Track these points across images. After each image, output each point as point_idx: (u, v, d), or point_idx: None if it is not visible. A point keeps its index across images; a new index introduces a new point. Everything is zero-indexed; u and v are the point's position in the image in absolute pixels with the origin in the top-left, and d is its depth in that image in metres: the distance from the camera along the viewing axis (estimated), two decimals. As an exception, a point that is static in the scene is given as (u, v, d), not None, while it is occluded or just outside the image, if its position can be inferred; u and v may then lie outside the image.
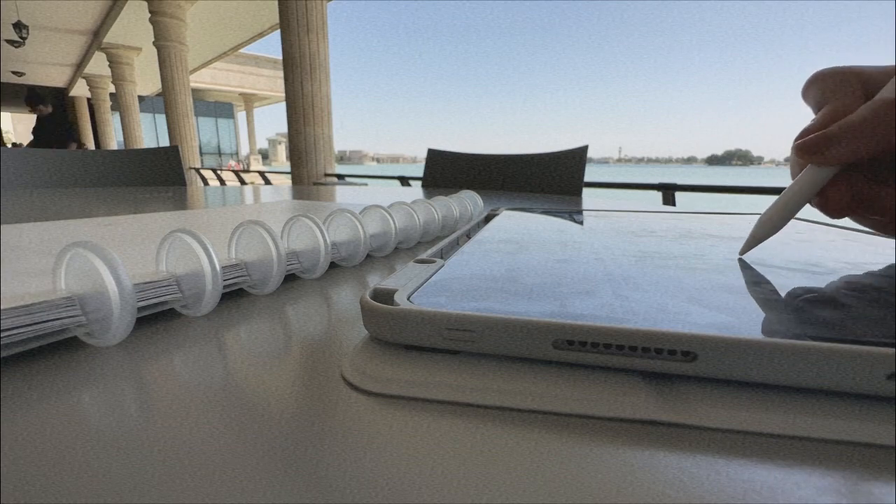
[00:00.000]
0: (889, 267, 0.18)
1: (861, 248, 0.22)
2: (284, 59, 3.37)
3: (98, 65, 8.78)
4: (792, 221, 0.24)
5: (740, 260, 0.20)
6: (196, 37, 7.09)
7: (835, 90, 0.18)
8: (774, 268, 0.18)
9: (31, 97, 3.99)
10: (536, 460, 0.10)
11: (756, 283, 0.16)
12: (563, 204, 0.69)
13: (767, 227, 0.19)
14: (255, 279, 0.22)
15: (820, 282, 0.16)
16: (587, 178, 0.98)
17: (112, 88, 8.78)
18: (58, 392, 0.13)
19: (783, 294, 0.15)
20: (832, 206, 0.18)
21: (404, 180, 2.65)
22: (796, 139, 0.18)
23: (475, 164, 1.13)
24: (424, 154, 1.31)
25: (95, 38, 7.61)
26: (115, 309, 0.15)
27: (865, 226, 0.20)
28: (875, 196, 0.18)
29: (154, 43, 5.32)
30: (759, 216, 0.20)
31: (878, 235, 0.23)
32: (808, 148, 0.17)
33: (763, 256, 0.20)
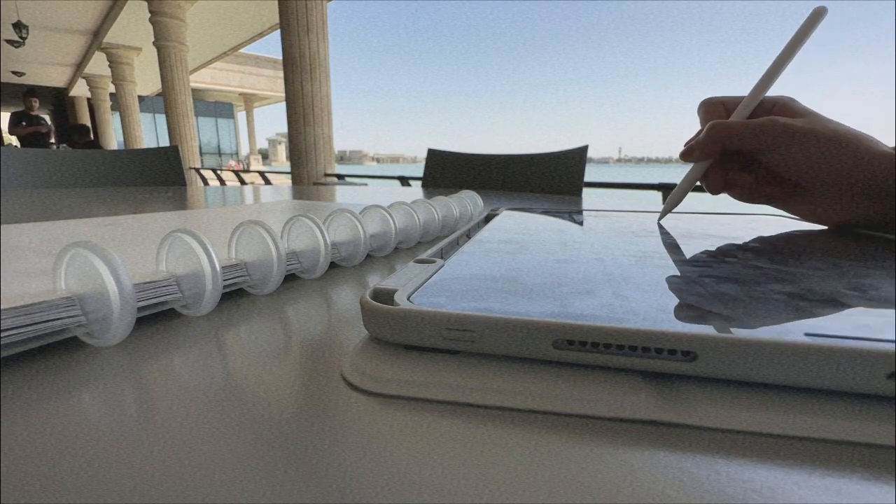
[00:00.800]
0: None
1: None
2: (284, 59, 3.37)
3: (98, 65, 8.78)
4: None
5: (746, 245, 0.22)
6: (196, 37, 7.09)
7: (709, 115, 0.30)
8: (773, 266, 0.18)
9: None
10: (536, 460, 0.10)
11: (756, 283, 0.16)
12: (563, 204, 0.69)
13: (674, 200, 0.31)
14: (255, 279, 0.22)
15: (816, 281, 0.16)
16: (587, 178, 0.98)
17: (112, 88, 8.78)
18: (58, 392, 0.13)
19: (782, 292, 0.15)
20: (710, 186, 0.29)
21: (404, 180, 2.65)
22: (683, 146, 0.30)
23: (475, 164, 1.13)
24: (424, 154, 1.31)
25: (95, 38, 7.61)
26: (115, 309, 0.15)
27: (738, 199, 0.30)
28: (735, 178, 0.29)
29: (154, 43, 5.32)
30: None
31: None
32: (682, 154, 0.30)
33: (763, 255, 0.20)
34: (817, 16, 0.26)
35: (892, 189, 0.24)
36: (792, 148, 0.25)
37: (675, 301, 0.14)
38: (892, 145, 0.25)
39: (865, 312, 0.13)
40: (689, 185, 0.30)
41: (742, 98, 0.29)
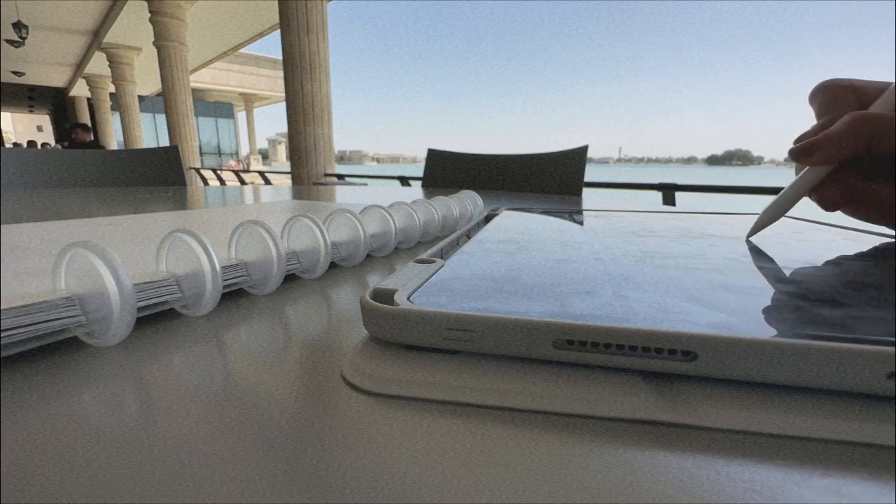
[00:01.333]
0: (884, 261, 0.18)
1: (858, 245, 0.22)
2: (284, 59, 3.37)
3: (98, 65, 8.78)
4: (793, 222, 0.28)
5: (750, 246, 0.22)
6: (196, 37, 7.09)
7: (833, 102, 0.22)
8: (774, 266, 0.18)
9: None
10: (536, 460, 0.10)
11: (756, 282, 0.16)
12: (563, 204, 0.69)
13: (771, 215, 0.23)
14: (255, 279, 0.22)
15: (816, 279, 0.16)
16: (587, 178, 0.98)
17: (112, 88, 8.78)
18: (58, 392, 0.13)
19: (782, 292, 0.15)
20: (826, 200, 0.21)
21: (404, 180, 2.65)
22: (793, 143, 0.22)
23: (475, 164, 1.13)
24: (424, 154, 1.31)
25: (95, 38, 7.61)
26: (115, 309, 0.15)
27: (859, 218, 0.23)
28: (865, 190, 0.21)
29: (154, 43, 5.32)
30: (762, 210, 0.23)
31: (871, 230, 0.25)
32: (798, 152, 0.21)
33: (763, 255, 0.20)
34: None
35: None
36: None
37: (675, 301, 0.14)
38: None
39: (865, 312, 0.13)
40: (799, 197, 0.22)
41: (884, 85, 0.22)
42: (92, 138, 4.02)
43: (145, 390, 0.13)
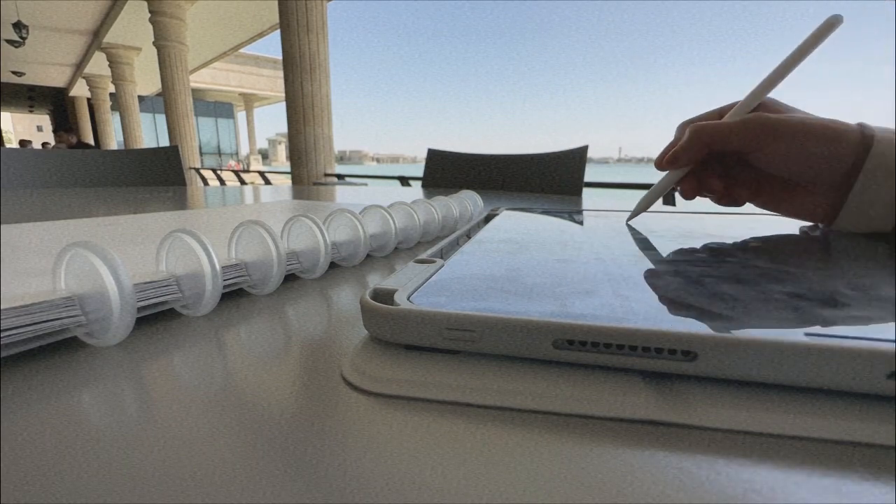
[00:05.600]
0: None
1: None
2: (284, 59, 3.37)
3: (98, 65, 8.78)
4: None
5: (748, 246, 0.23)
6: (196, 37, 7.09)
7: (678, 131, 0.29)
8: (772, 266, 0.18)
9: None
10: (536, 460, 0.10)
11: (755, 282, 0.16)
12: (563, 204, 0.69)
13: (645, 204, 0.31)
14: (255, 279, 0.22)
15: (816, 280, 0.16)
16: (587, 178, 0.98)
17: (112, 88, 8.78)
18: (58, 392, 0.13)
19: (784, 293, 0.15)
20: (685, 191, 0.29)
21: (404, 180, 2.65)
22: (656, 160, 0.29)
23: (475, 164, 1.13)
24: (424, 154, 1.31)
25: (95, 38, 7.61)
26: (115, 309, 0.15)
27: (714, 202, 0.30)
28: (707, 183, 0.29)
29: (154, 43, 5.32)
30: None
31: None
32: (664, 162, 0.29)
33: (762, 255, 0.20)
34: (831, 25, 0.25)
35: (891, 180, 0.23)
36: (782, 143, 0.25)
37: (676, 301, 0.14)
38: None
39: (865, 312, 0.13)
40: (664, 190, 0.30)
41: (726, 107, 0.28)
42: (76, 140, 3.99)
43: (145, 390, 0.13)
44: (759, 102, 0.27)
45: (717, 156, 0.28)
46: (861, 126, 0.25)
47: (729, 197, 0.29)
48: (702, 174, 0.29)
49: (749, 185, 0.29)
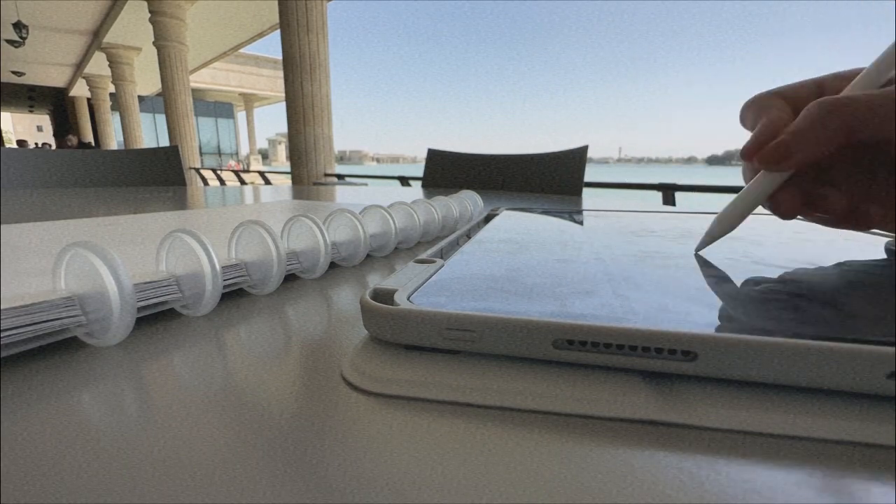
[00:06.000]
0: (878, 261, 0.18)
1: (844, 245, 0.22)
2: (284, 59, 3.37)
3: (98, 65, 8.78)
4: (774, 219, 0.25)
5: (750, 247, 0.20)
6: (196, 37, 7.09)
7: (765, 109, 0.20)
8: (772, 266, 0.18)
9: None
10: (536, 460, 0.10)
11: (756, 281, 0.16)
12: (563, 204, 0.69)
13: (723, 227, 0.20)
14: (255, 279, 0.22)
15: (817, 279, 0.16)
16: (587, 178, 0.98)
17: (112, 88, 8.78)
18: (58, 392, 0.13)
19: (783, 292, 0.15)
20: (784, 208, 0.19)
21: (404, 180, 2.65)
22: (745, 150, 0.19)
23: (475, 164, 1.13)
24: (424, 154, 1.31)
25: (95, 38, 7.61)
26: (115, 309, 0.15)
27: (815, 222, 0.21)
28: (821, 197, 0.19)
29: (154, 43, 5.32)
30: (716, 215, 0.21)
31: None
32: (769, 157, 0.18)
33: (763, 255, 0.20)
34: None
35: None
36: None
37: (675, 301, 0.14)
38: None
39: (865, 312, 0.13)
40: (752, 208, 0.20)
41: (805, 81, 0.20)
42: (76, 143, 3.98)
43: (145, 390, 0.13)
44: (832, 81, 0.20)
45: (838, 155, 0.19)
46: None
47: (854, 216, 0.19)
48: (811, 183, 0.20)
49: (883, 197, 0.19)
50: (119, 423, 0.11)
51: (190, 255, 0.18)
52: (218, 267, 0.18)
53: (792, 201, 0.19)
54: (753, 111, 0.20)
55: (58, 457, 0.10)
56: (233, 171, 5.21)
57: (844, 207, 0.19)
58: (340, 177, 3.47)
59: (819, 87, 0.20)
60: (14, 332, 0.14)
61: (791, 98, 0.20)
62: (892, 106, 0.16)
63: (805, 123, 0.17)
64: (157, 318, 0.19)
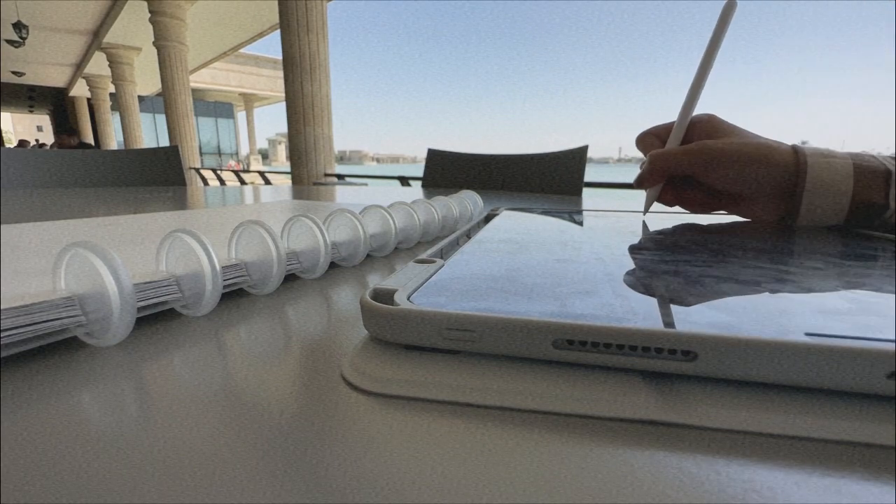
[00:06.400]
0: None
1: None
2: (284, 59, 3.37)
3: (98, 65, 8.78)
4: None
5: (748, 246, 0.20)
6: (196, 37, 7.09)
7: (645, 146, 0.34)
8: (772, 266, 0.18)
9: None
10: (536, 460, 0.10)
11: (755, 282, 0.16)
12: (563, 204, 0.69)
13: (645, 208, 0.34)
14: (255, 279, 0.22)
15: (816, 280, 0.16)
16: (587, 178, 0.98)
17: (112, 88, 8.78)
18: (58, 392, 0.13)
19: (781, 292, 0.15)
20: (665, 201, 0.34)
21: (404, 180, 2.65)
22: (636, 181, 0.34)
23: (475, 164, 1.13)
24: (424, 154, 1.31)
25: (95, 38, 7.61)
26: (115, 309, 0.15)
27: (689, 211, 0.35)
28: (685, 194, 0.34)
29: (154, 43, 5.32)
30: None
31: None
32: (637, 183, 0.33)
33: (762, 255, 0.20)
34: (728, 11, 0.27)
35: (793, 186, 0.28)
36: (722, 167, 0.29)
37: (675, 300, 0.14)
38: (891, 146, 0.27)
39: (865, 312, 0.13)
40: (650, 204, 0.34)
41: (670, 124, 0.33)
42: (77, 142, 3.95)
43: (145, 390, 0.13)
44: (699, 118, 0.32)
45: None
46: (794, 147, 0.29)
47: (699, 206, 0.34)
48: (678, 186, 0.33)
49: (714, 195, 0.33)
50: (119, 423, 0.11)
51: (190, 255, 0.18)
52: (218, 267, 0.18)
53: (668, 198, 0.34)
54: (640, 146, 0.35)
55: (58, 457, 0.10)
56: (233, 171, 5.21)
57: (692, 199, 0.34)
58: (340, 177, 3.47)
59: (667, 129, 0.33)
60: (14, 332, 0.14)
61: (661, 134, 0.34)
62: (680, 158, 0.30)
63: (646, 166, 0.32)
64: (157, 318, 0.19)
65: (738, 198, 0.32)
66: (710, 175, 0.30)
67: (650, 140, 0.34)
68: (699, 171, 0.30)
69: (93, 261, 0.15)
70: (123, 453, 0.10)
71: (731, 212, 0.33)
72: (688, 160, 0.30)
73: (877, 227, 0.27)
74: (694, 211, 0.34)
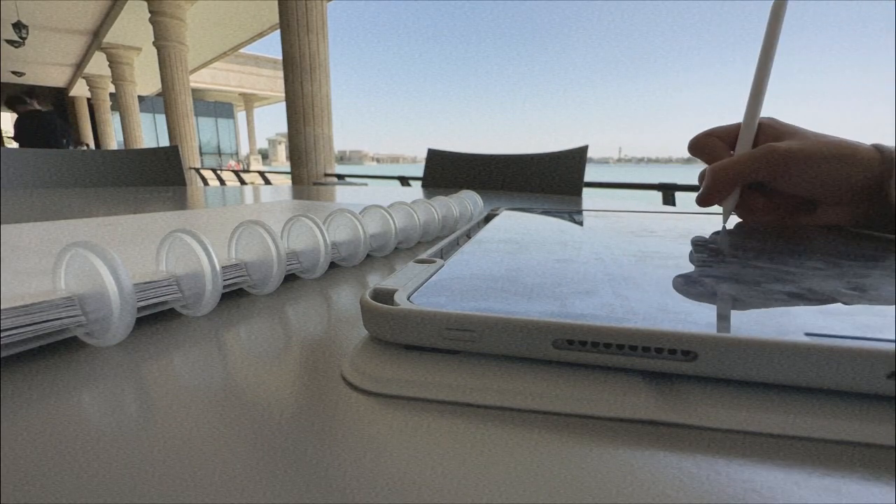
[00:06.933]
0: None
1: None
2: (284, 59, 3.37)
3: (98, 65, 8.79)
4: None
5: (749, 246, 0.20)
6: (196, 37, 7.09)
7: (705, 153, 0.31)
8: (771, 266, 0.18)
9: (10, 99, 3.85)
10: (536, 460, 0.10)
11: (755, 281, 0.16)
12: (563, 204, 0.69)
13: (725, 215, 0.30)
14: (255, 279, 0.22)
15: (816, 280, 0.16)
16: (587, 178, 0.98)
17: (112, 88, 8.78)
18: (58, 392, 0.13)
19: (781, 292, 0.15)
20: (751, 209, 0.30)
21: (404, 180, 2.65)
22: (697, 200, 0.30)
23: (475, 164, 1.13)
24: (424, 154, 1.31)
25: (95, 38, 7.61)
26: (115, 309, 0.15)
27: (761, 222, 0.31)
28: (750, 202, 0.30)
29: (154, 43, 5.32)
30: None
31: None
32: (701, 201, 0.30)
33: (761, 255, 0.20)
34: (778, 10, 0.26)
35: (890, 188, 0.25)
36: (799, 169, 0.26)
37: (675, 301, 0.14)
38: (891, 145, 0.26)
39: (865, 312, 0.13)
40: (727, 216, 0.30)
41: (734, 126, 0.30)
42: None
43: (145, 390, 0.13)
44: (759, 122, 0.29)
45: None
46: (876, 146, 0.26)
47: (768, 214, 0.30)
48: (744, 194, 0.30)
49: (784, 202, 0.30)
50: (119, 423, 0.11)
51: (190, 255, 0.18)
52: (218, 267, 0.18)
53: (755, 203, 0.30)
54: (696, 152, 0.31)
55: (58, 457, 0.10)
56: (233, 171, 5.21)
57: (763, 209, 0.30)
58: (340, 177, 3.47)
59: (729, 132, 0.30)
60: (14, 332, 0.14)
61: (723, 137, 0.30)
62: (746, 165, 0.27)
63: (707, 183, 0.29)
64: (157, 318, 0.19)
65: (813, 203, 0.29)
66: (785, 179, 0.27)
67: (713, 144, 0.30)
68: (771, 176, 0.27)
69: (93, 261, 0.15)
70: (123, 453, 0.10)
71: (802, 220, 0.30)
72: (756, 166, 0.27)
73: None
74: (763, 221, 0.30)
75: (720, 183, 0.28)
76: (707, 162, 0.31)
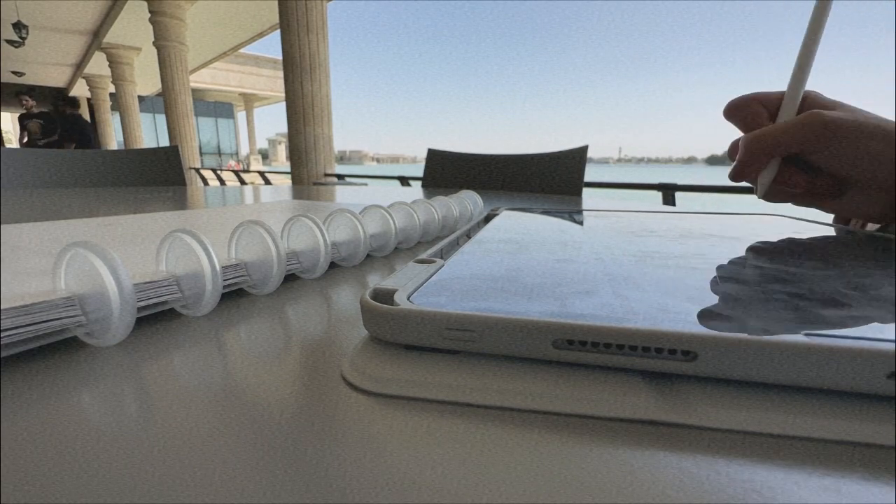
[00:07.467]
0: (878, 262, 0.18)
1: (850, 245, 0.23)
2: (284, 59, 3.37)
3: (98, 65, 8.78)
4: (790, 222, 0.31)
5: (749, 246, 0.22)
6: (196, 37, 7.09)
7: (741, 119, 0.28)
8: (771, 266, 0.18)
9: (62, 101, 3.94)
10: (536, 460, 0.10)
11: (756, 281, 0.16)
12: (563, 204, 0.69)
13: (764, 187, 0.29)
14: (255, 279, 0.22)
15: (816, 281, 0.16)
16: (587, 178, 0.98)
17: (112, 88, 8.78)
18: (58, 392, 0.13)
19: (783, 292, 0.15)
20: (789, 184, 0.27)
21: (404, 180, 2.65)
22: (731, 175, 0.29)
23: (475, 164, 1.13)
24: (424, 154, 1.31)
25: (95, 38, 7.61)
26: (115, 309, 0.15)
27: (794, 203, 0.29)
28: (792, 179, 0.27)
29: (154, 43, 5.32)
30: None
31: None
32: (735, 175, 0.28)
33: (761, 255, 0.20)
34: None
35: None
36: (841, 143, 0.24)
37: (675, 301, 0.14)
38: None
39: (865, 312, 0.13)
40: (764, 190, 0.28)
41: (778, 93, 0.27)
42: (74, 146, 3.90)
43: (145, 390, 0.13)
44: (804, 95, 0.26)
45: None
46: None
47: (799, 191, 0.28)
48: (783, 172, 0.27)
49: (817, 179, 0.27)
50: (119, 423, 0.11)
51: (190, 255, 0.18)
52: (218, 267, 0.18)
53: (796, 178, 0.27)
54: (732, 117, 0.29)
55: (58, 457, 0.10)
56: (233, 171, 5.21)
57: (798, 183, 0.27)
58: (340, 177, 3.47)
59: (766, 100, 0.28)
60: (14, 332, 0.14)
61: (765, 103, 0.28)
62: (790, 132, 0.25)
63: (741, 154, 0.27)
64: (157, 318, 0.19)
65: (846, 183, 0.27)
66: (828, 152, 0.25)
67: (755, 109, 0.28)
68: (813, 146, 0.25)
69: (93, 261, 0.15)
70: (123, 453, 0.10)
71: (827, 206, 0.28)
72: (798, 134, 0.25)
73: None
74: (800, 202, 0.28)
75: (757, 152, 0.26)
76: (743, 129, 0.28)
